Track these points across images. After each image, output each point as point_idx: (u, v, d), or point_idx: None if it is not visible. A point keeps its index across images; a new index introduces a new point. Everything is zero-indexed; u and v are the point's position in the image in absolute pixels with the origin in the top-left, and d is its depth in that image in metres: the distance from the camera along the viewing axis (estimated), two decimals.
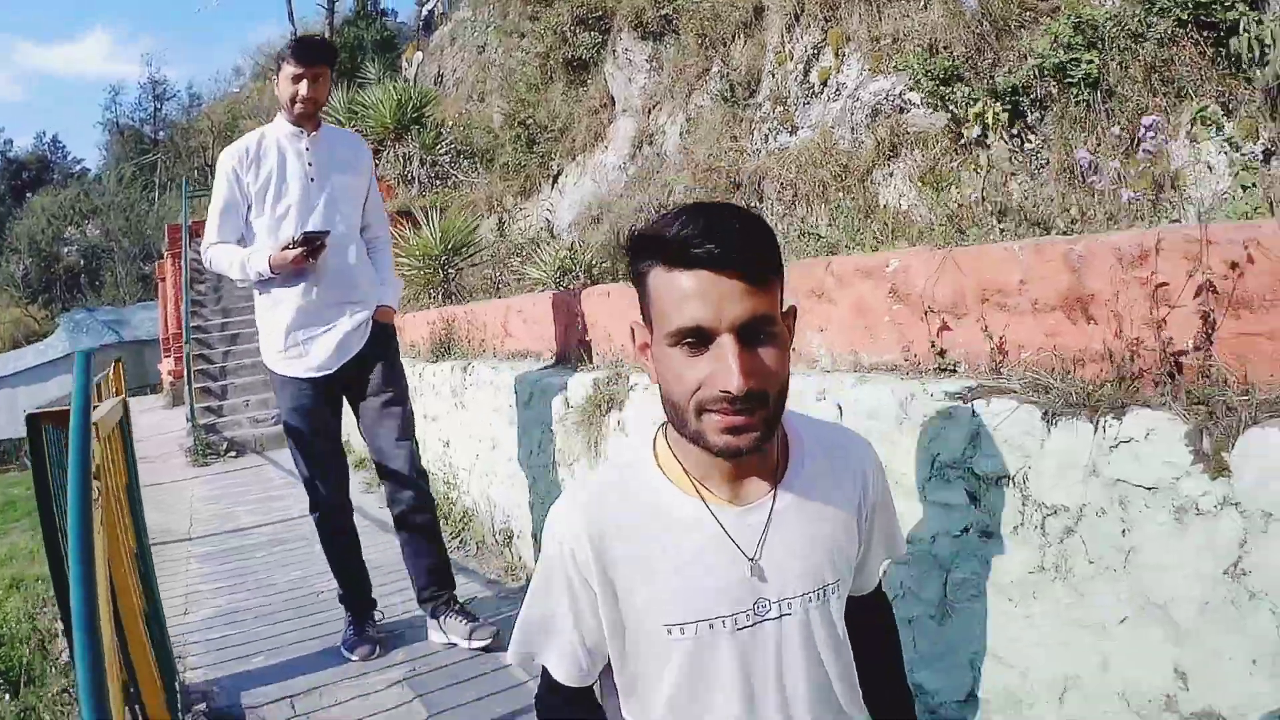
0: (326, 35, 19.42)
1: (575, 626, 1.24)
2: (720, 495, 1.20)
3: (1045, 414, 1.84)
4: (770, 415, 1.10)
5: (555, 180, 6.93)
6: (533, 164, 7.17)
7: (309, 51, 3.23)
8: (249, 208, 3.23)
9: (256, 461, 7.64)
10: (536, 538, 4.03)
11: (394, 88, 8.46)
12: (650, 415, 3.15)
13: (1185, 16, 3.11)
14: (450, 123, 8.39)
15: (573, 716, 1.33)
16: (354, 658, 3.29)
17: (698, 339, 1.06)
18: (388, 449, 3.33)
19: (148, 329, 20.33)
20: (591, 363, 3.62)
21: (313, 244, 3.11)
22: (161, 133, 41.58)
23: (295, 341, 3.23)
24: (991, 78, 3.60)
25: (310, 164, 3.26)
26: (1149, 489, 1.68)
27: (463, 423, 4.64)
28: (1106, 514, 1.72)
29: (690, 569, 1.18)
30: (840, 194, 3.87)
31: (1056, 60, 3.36)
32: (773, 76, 4.92)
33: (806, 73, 4.64)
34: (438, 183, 7.82)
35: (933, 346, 2.26)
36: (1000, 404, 1.92)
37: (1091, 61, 3.32)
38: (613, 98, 6.62)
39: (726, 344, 1.04)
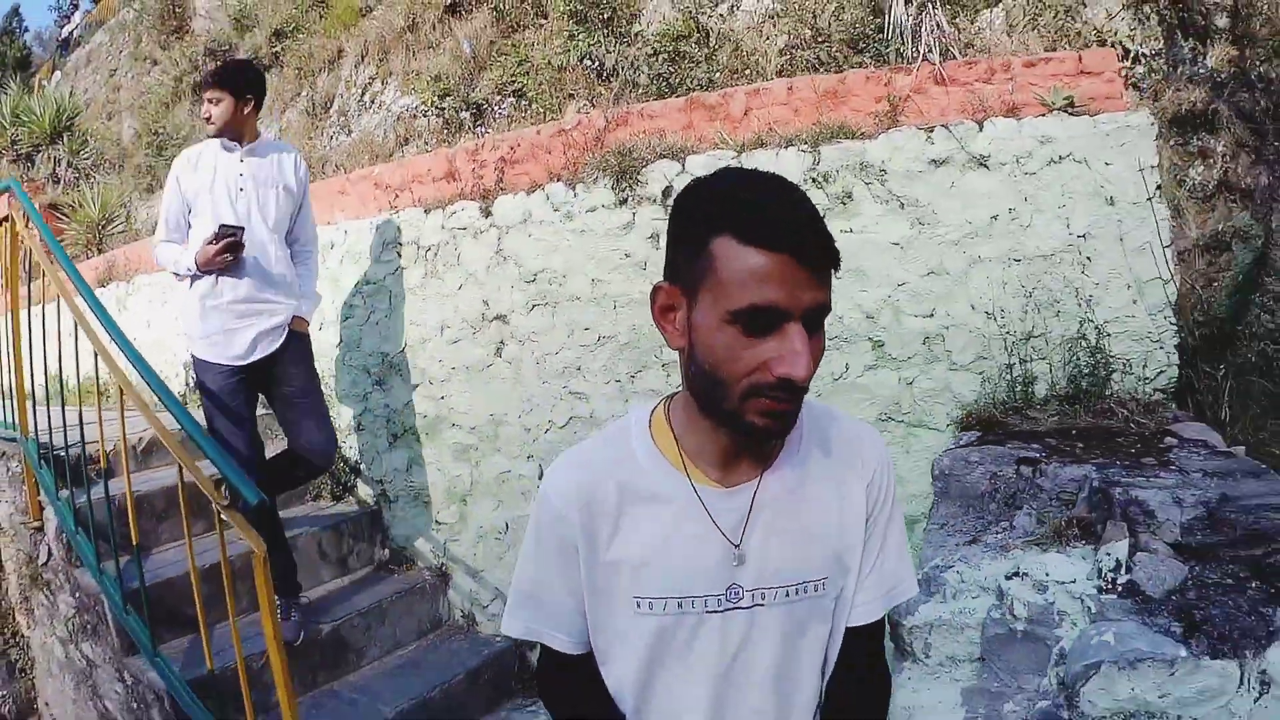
0: None
1: (568, 592, 1.22)
2: (709, 475, 1.18)
3: (425, 210, 4.01)
4: (803, 402, 1.10)
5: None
6: (160, 166, 8.57)
7: (207, 75, 3.67)
8: (189, 210, 3.55)
9: None
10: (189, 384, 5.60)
11: (54, 98, 9.53)
12: None
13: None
14: (92, 134, 9.59)
15: (574, 687, 1.30)
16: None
17: (763, 321, 1.01)
18: (313, 441, 3.64)
19: None
20: None
21: (228, 238, 3.34)
22: None
23: (216, 330, 3.46)
24: (469, 94, 5.79)
25: (240, 174, 3.55)
26: (464, 229, 3.89)
27: (126, 322, 6.08)
28: (449, 245, 3.92)
29: (667, 546, 1.16)
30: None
31: (505, 80, 5.62)
32: (341, 98, 6.90)
33: (363, 95, 6.68)
34: (81, 182, 8.98)
35: (391, 206, 4.33)
36: (413, 213, 4.08)
37: (524, 80, 5.60)
38: None
39: (796, 332, 1.01)
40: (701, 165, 3.55)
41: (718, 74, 4.46)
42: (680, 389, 1.20)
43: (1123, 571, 1.95)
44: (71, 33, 16.68)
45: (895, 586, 1.28)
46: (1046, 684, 1.93)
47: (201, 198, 3.51)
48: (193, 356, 3.55)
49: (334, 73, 7.35)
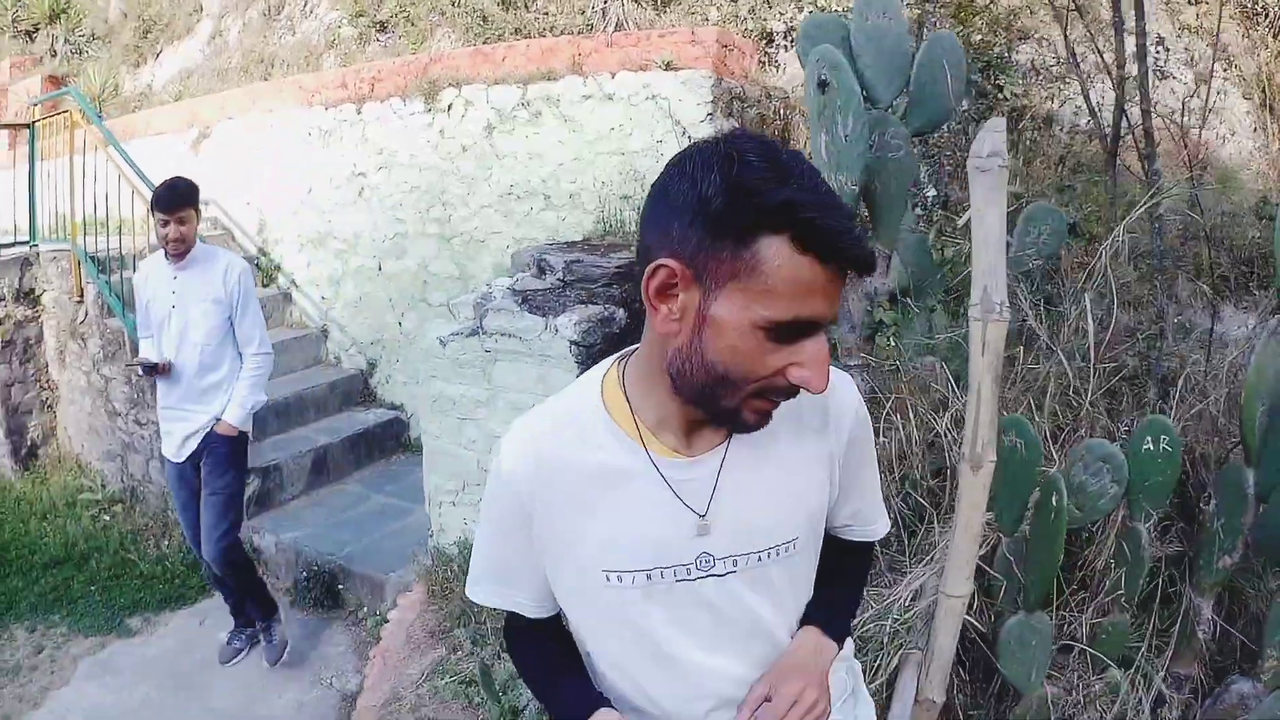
0: None
1: (526, 560, 1.23)
2: (669, 445, 1.15)
3: (325, 108, 6.65)
4: None
5: (158, 56, 10.78)
6: (146, 46, 10.94)
7: (171, 199, 3.52)
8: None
9: None
10: None
11: None
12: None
13: None
14: (83, 12, 11.88)
15: (542, 649, 1.32)
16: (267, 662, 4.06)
17: (797, 330, 0.99)
18: (206, 529, 3.80)
19: None
20: None
21: (145, 367, 3.71)
22: None
23: (163, 430, 3.86)
24: (376, 14, 8.27)
25: (174, 292, 3.68)
26: (346, 121, 6.54)
27: None
28: (336, 131, 6.60)
29: (631, 518, 1.15)
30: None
31: (398, 9, 8.11)
32: (289, 5, 9.36)
33: (305, 5, 9.14)
34: (75, 56, 11.35)
35: (307, 103, 6.96)
36: (319, 110, 6.72)
37: (411, 10, 8.09)
38: (202, 5, 10.61)
39: (820, 344, 1.00)
40: (471, 92, 6.17)
41: (532, 17, 7.02)
42: (633, 351, 1.19)
43: (516, 285, 4.66)
44: None
45: (870, 525, 1.40)
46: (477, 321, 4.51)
47: (147, 311, 3.80)
48: None
49: None
